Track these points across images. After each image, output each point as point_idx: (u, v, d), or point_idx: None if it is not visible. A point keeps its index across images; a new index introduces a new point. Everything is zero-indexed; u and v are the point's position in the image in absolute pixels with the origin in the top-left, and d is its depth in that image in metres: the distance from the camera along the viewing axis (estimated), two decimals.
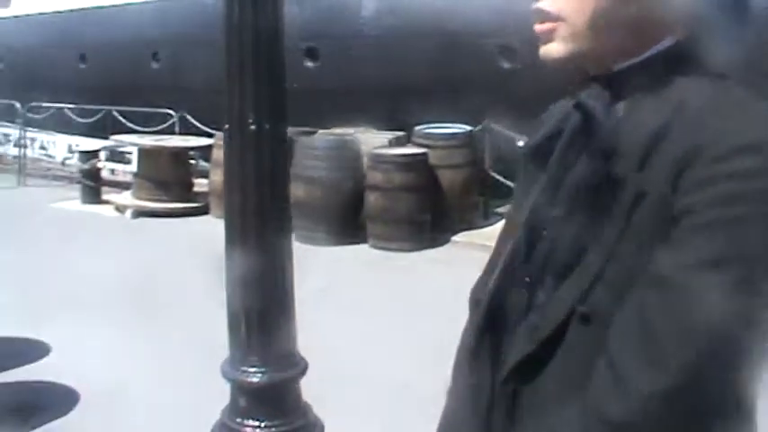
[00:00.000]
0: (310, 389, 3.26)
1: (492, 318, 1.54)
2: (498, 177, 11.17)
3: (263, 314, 2.98)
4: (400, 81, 12.33)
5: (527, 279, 1.49)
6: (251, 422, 3.04)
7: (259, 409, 3.05)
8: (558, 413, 1.38)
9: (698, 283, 1.21)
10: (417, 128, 10.90)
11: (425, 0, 12.40)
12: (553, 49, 1.44)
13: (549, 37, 1.44)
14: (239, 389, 3.07)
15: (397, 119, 11.83)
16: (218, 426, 3.11)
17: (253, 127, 2.87)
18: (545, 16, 1.43)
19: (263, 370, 3.00)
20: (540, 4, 1.44)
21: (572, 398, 1.35)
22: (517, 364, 1.46)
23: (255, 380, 3.01)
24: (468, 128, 10.95)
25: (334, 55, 13.08)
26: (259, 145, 2.90)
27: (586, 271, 1.36)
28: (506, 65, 11.89)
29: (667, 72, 1.38)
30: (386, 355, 6.30)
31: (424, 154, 10.22)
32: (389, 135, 11.19)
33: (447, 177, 10.45)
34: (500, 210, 11.20)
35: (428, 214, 10.11)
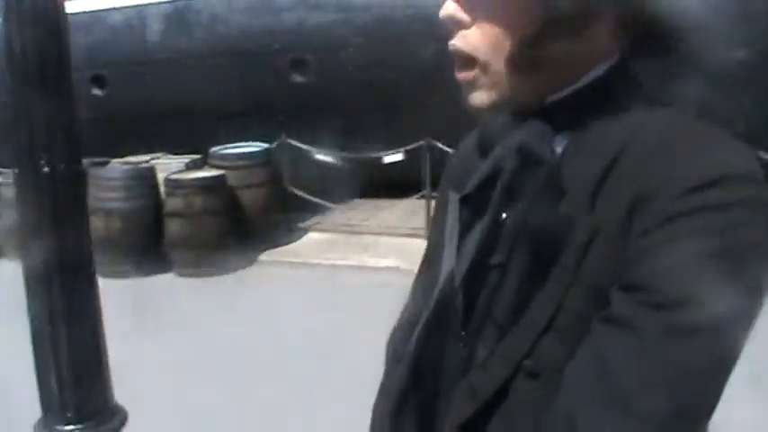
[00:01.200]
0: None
1: (419, 376, 1.37)
2: (299, 193, 11.17)
3: (73, 367, 2.80)
4: (193, 103, 12.13)
5: (462, 333, 1.32)
6: None
7: None
8: None
9: (665, 323, 1.07)
10: (213, 149, 10.73)
11: (212, 19, 12.25)
12: (479, 97, 1.27)
13: (472, 85, 1.27)
14: None
15: (192, 142, 11.63)
16: None
17: (46, 169, 2.69)
18: (462, 59, 1.27)
19: (79, 427, 2.81)
20: (455, 42, 1.27)
21: None
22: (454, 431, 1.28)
23: None
24: (265, 145, 10.86)
25: (121, 81, 12.71)
26: (54, 186, 2.72)
27: (533, 321, 1.21)
28: (299, 79, 11.87)
29: (610, 98, 1.25)
30: (206, 384, 6.13)
31: (222, 176, 10.04)
32: (186, 159, 10.95)
33: (248, 197, 10.30)
34: (302, 225, 11.20)
35: (231, 236, 9.93)
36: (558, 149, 1.24)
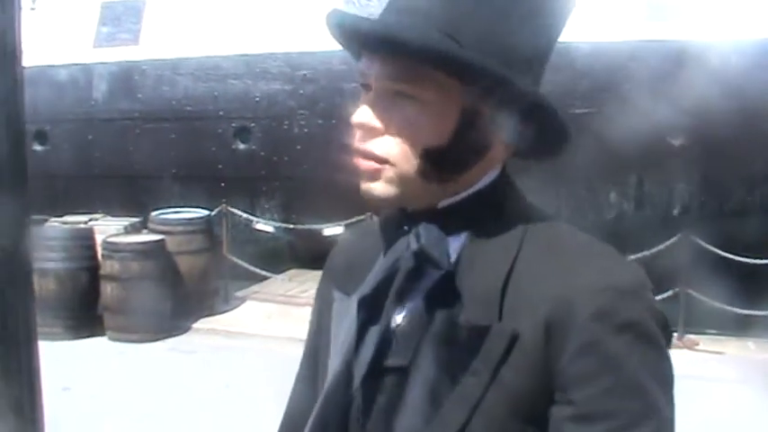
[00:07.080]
0: None
1: None
2: (237, 261, 11.07)
3: (8, 426, 2.70)
4: (134, 165, 12.03)
5: None
6: None
7: None
8: None
9: None
10: (153, 214, 10.62)
11: (158, 82, 12.21)
12: (378, 189, 1.32)
13: (373, 176, 1.33)
14: None
15: (133, 204, 11.50)
16: None
17: None
18: (372, 157, 1.32)
19: None
20: (365, 146, 1.32)
21: None
22: None
23: None
24: (206, 212, 10.79)
25: (63, 138, 12.56)
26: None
27: (445, 425, 1.23)
28: (242, 146, 11.85)
29: (496, 204, 1.35)
30: None
31: (160, 241, 9.93)
32: (125, 222, 10.82)
33: (186, 263, 10.19)
34: (240, 294, 11.08)
35: (167, 303, 9.78)
36: (453, 254, 1.31)
